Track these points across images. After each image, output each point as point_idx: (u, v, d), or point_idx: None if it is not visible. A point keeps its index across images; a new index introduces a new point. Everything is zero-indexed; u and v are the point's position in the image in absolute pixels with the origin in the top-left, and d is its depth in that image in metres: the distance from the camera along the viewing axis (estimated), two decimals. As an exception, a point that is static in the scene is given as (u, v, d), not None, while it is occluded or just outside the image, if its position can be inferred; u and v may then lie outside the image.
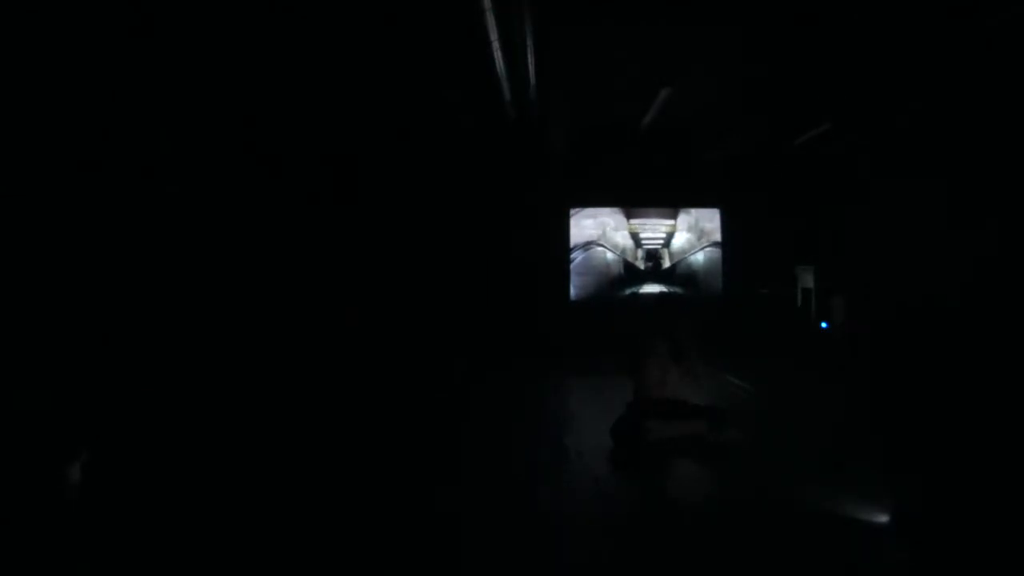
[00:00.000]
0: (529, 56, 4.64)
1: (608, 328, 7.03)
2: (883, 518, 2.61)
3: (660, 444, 3.67)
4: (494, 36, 4.18)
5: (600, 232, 8.05)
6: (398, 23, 4.26)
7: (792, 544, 2.45)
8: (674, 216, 8.15)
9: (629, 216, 8.08)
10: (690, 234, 8.20)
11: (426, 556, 2.39)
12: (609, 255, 8.04)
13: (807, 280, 7.34)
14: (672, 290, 7.99)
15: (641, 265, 8.06)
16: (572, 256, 8.00)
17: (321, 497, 2.95)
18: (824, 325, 7.01)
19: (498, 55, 4.56)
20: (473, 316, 7.18)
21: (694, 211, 8.20)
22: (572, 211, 7.99)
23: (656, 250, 8.12)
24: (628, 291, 8.06)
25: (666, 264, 8.09)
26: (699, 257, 8.22)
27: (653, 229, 8.14)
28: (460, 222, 7.41)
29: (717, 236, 8.21)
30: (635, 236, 8.10)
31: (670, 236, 8.17)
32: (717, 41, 4.59)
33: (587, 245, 8.03)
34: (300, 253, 6.02)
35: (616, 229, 8.07)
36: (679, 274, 8.15)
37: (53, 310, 3.32)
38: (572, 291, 7.96)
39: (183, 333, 4.26)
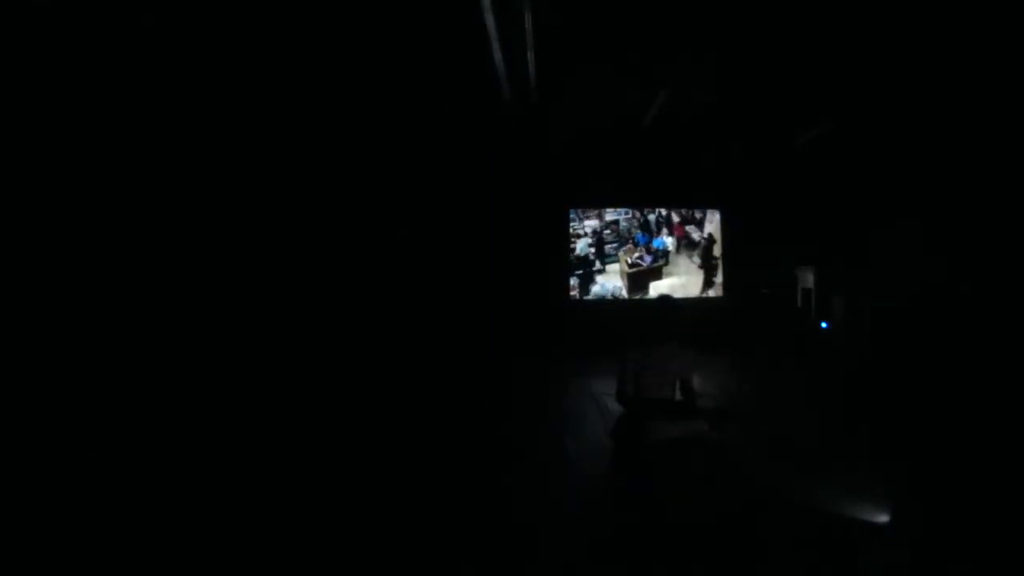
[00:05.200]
0: (529, 55, 4.64)
1: (608, 329, 7.03)
2: (882, 518, 2.60)
3: (660, 444, 3.66)
4: (494, 35, 4.18)
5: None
6: (397, 21, 4.26)
7: (792, 543, 2.45)
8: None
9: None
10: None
11: (422, 558, 2.39)
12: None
13: (807, 280, 7.34)
14: (672, 291, 7.98)
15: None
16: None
17: (315, 499, 2.94)
18: (824, 325, 7.01)
19: (498, 54, 4.56)
20: (472, 317, 7.19)
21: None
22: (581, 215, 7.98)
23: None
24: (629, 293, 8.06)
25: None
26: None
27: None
28: (459, 221, 7.41)
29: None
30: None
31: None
32: (718, 41, 4.58)
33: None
34: (298, 253, 6.02)
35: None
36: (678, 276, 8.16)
37: (53, 309, 3.32)
38: (573, 291, 7.96)
39: (183, 333, 4.26)
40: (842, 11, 4.08)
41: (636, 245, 8.07)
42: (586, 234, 7.98)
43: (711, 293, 8.17)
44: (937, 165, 6.02)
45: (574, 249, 7.97)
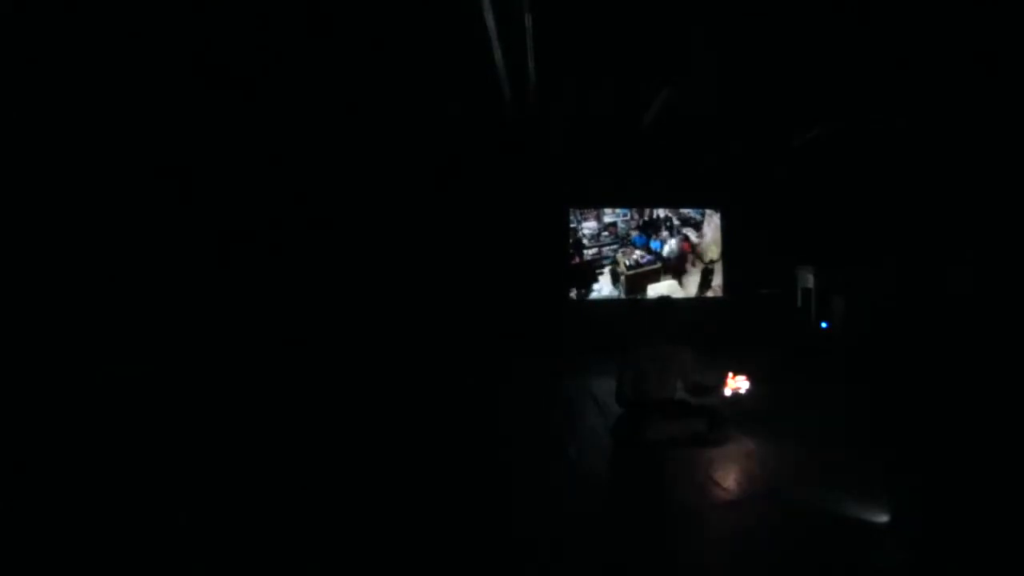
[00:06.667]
0: (529, 55, 4.64)
1: (608, 329, 7.03)
2: (883, 518, 2.60)
3: (660, 444, 3.66)
4: (494, 35, 4.18)
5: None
6: (397, 21, 4.26)
7: (792, 543, 2.45)
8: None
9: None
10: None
11: (422, 558, 2.39)
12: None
13: (807, 280, 7.34)
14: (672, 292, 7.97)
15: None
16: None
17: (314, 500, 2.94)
18: (824, 325, 7.01)
19: (498, 54, 4.56)
20: (472, 317, 7.18)
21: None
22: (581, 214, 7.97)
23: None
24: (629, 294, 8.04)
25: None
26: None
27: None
28: (459, 222, 7.41)
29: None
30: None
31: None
32: (718, 41, 4.58)
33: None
34: (297, 254, 6.02)
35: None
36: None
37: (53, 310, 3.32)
38: (572, 292, 7.95)
39: (184, 334, 4.26)
40: (842, 11, 4.08)
41: (634, 247, 8.07)
42: (584, 237, 7.97)
43: (710, 294, 8.17)
44: (936, 165, 6.02)
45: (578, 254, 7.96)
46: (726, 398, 3.78)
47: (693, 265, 8.17)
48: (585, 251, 7.97)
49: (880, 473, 3.12)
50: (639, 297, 7.98)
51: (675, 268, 8.13)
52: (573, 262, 7.91)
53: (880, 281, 6.57)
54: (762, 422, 4.07)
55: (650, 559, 2.37)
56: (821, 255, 7.31)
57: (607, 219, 8.02)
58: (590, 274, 7.93)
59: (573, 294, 7.92)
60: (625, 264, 8.05)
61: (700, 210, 8.18)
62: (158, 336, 4.05)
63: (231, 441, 3.66)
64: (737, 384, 3.77)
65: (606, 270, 8.01)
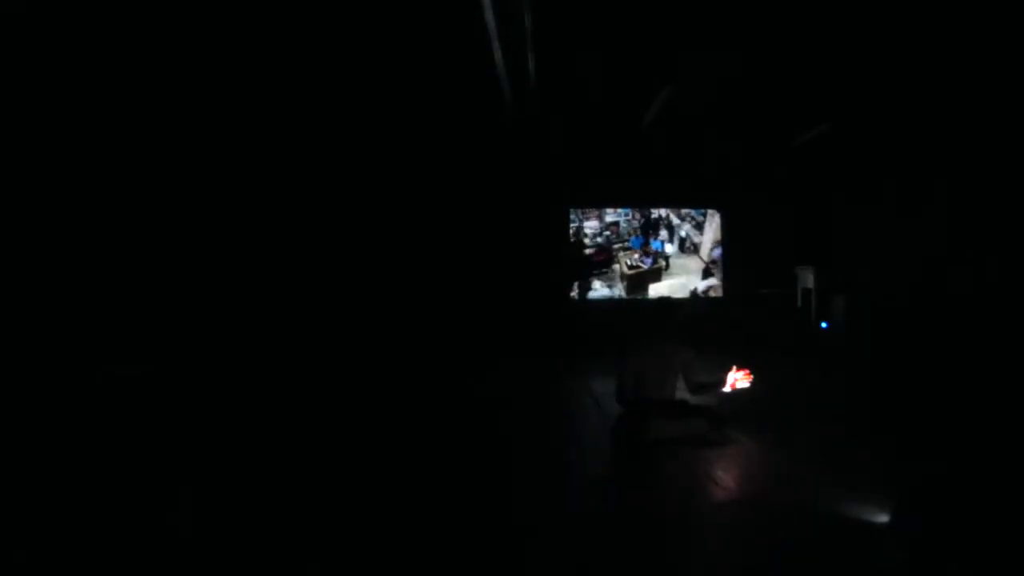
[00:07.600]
0: (529, 55, 4.64)
1: (608, 329, 7.03)
2: (883, 518, 2.60)
3: (660, 444, 3.66)
4: (494, 35, 4.18)
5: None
6: (397, 22, 4.26)
7: (792, 544, 2.45)
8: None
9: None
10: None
11: (422, 559, 2.39)
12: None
13: (807, 280, 7.34)
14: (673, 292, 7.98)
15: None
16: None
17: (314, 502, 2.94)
18: (824, 325, 7.01)
19: (498, 54, 4.56)
20: (471, 316, 7.18)
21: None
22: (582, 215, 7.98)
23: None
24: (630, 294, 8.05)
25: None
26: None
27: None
28: (459, 222, 7.41)
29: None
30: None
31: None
32: (718, 41, 4.59)
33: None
34: (295, 253, 6.02)
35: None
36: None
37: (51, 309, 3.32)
38: (573, 291, 7.96)
39: (184, 334, 4.26)
40: (842, 11, 4.08)
41: (632, 250, 8.07)
42: (585, 236, 7.98)
43: (711, 294, 8.17)
44: (936, 164, 6.02)
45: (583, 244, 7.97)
46: (726, 394, 3.77)
47: (693, 265, 8.18)
48: (587, 250, 7.99)
49: (880, 472, 3.12)
50: (640, 297, 7.99)
51: (675, 268, 8.14)
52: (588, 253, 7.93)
53: (880, 281, 6.57)
54: (762, 422, 4.06)
55: (650, 559, 2.37)
56: (821, 255, 7.30)
57: (609, 218, 8.03)
58: (594, 265, 7.93)
59: (574, 292, 7.93)
60: (626, 264, 8.06)
61: (700, 210, 8.18)
62: (158, 336, 4.05)
63: (232, 441, 3.66)
64: (739, 379, 3.75)
65: (613, 267, 8.02)
